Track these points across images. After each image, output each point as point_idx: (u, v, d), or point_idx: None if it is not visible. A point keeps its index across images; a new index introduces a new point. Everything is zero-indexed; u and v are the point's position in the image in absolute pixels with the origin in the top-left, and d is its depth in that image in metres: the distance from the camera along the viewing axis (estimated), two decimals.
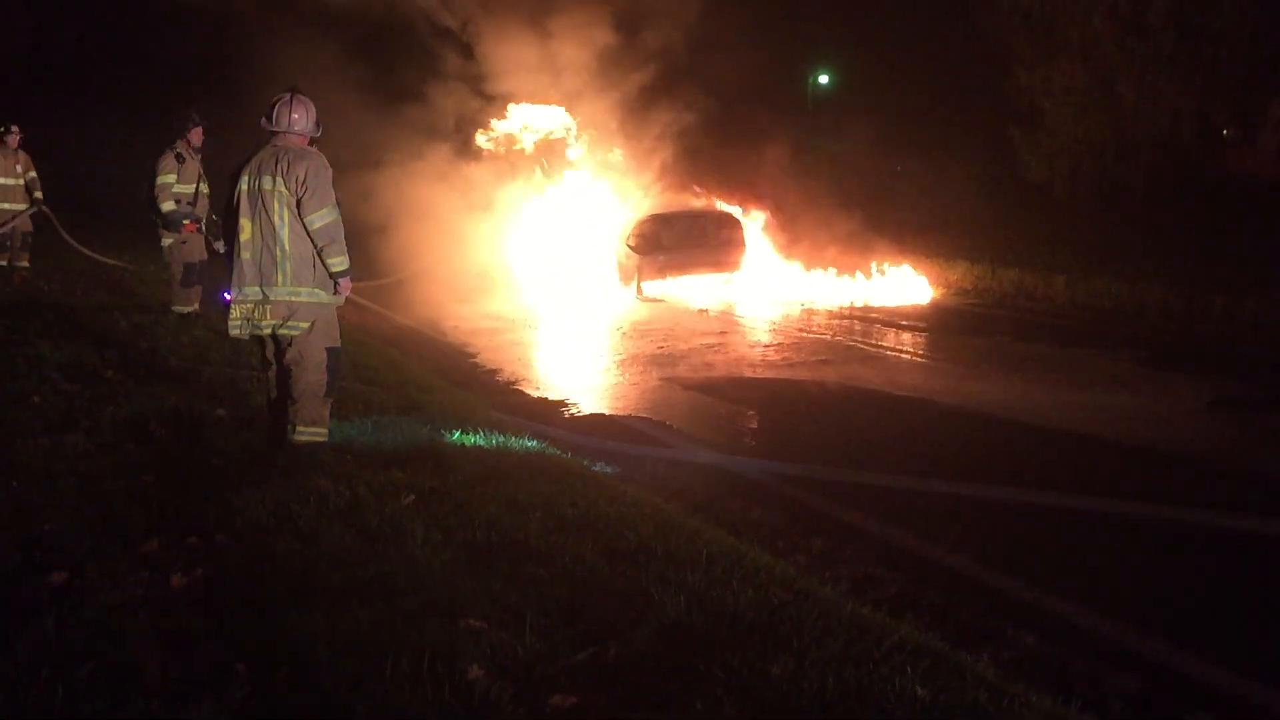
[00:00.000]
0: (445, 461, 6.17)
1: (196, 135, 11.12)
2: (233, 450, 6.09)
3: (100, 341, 9.25)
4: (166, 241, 11.09)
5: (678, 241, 19.03)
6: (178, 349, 9.35)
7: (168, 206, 10.88)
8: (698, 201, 21.39)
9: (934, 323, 15.42)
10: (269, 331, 5.97)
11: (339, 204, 5.95)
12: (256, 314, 5.91)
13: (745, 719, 3.35)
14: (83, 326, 10.11)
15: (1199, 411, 9.38)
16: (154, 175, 10.85)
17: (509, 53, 19.93)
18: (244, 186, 5.89)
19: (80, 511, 4.84)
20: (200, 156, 11.20)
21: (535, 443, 7.14)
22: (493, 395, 10.20)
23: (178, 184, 10.90)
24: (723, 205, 21.63)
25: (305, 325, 5.94)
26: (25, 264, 14.10)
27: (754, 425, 9.23)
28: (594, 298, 18.26)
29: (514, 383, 10.99)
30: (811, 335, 14.31)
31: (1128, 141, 23.59)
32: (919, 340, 13.86)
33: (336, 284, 6.00)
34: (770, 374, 11.57)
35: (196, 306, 11.23)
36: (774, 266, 20.87)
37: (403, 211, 17.78)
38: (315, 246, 5.89)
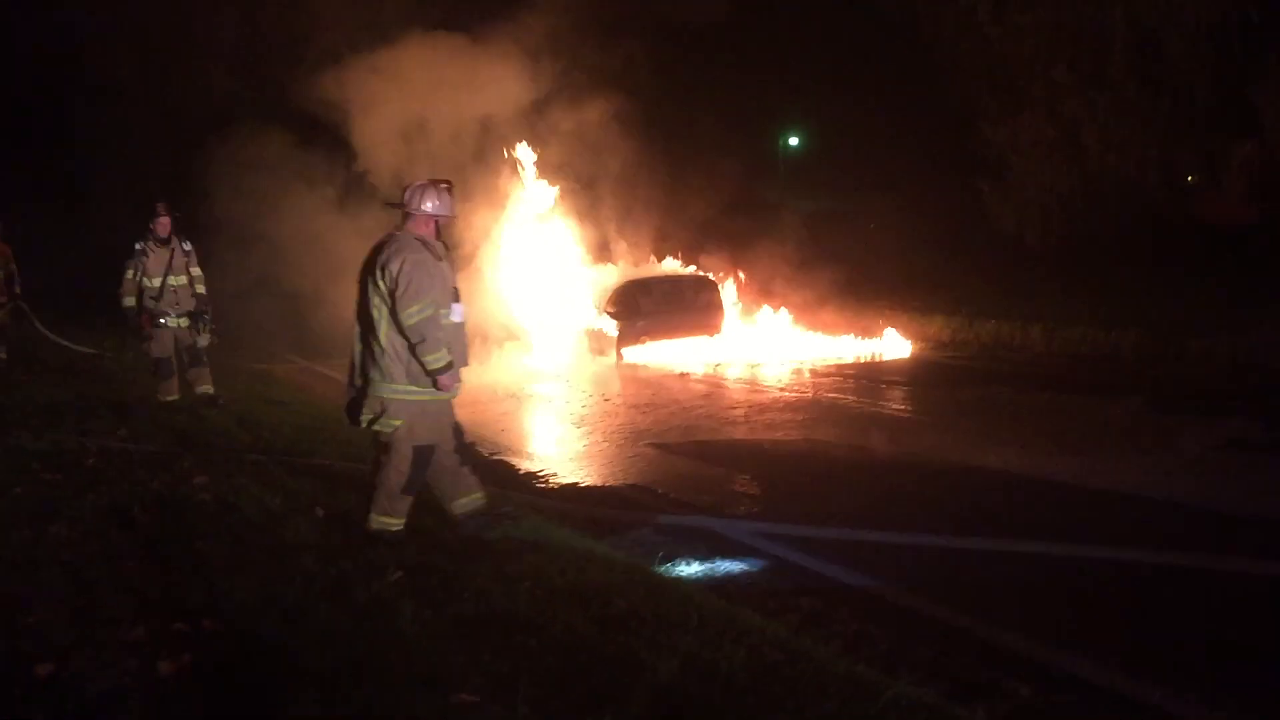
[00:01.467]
0: (432, 536, 6.15)
1: (161, 226, 10.89)
2: (218, 533, 6.05)
3: (80, 429, 9.21)
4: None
5: (656, 306, 19.18)
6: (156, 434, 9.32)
7: (125, 303, 10.88)
8: (674, 266, 21.59)
9: (914, 377, 15.53)
10: (364, 425, 5.97)
11: (450, 298, 6.01)
12: (364, 407, 5.94)
13: None
14: (61, 415, 10.06)
15: (1213, 454, 9.44)
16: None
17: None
18: (360, 278, 6.01)
19: (65, 601, 4.80)
20: (174, 246, 10.95)
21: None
22: (477, 469, 10.15)
23: (144, 278, 10.80)
24: (699, 269, 21.82)
25: (397, 422, 5.90)
26: (3, 355, 14.05)
27: (741, 487, 9.23)
28: (572, 364, 18.32)
29: (497, 453, 10.96)
30: (794, 395, 14.37)
31: (1094, 190, 23.96)
32: (901, 395, 13.94)
33: (435, 381, 5.91)
34: (755, 435, 11.60)
35: (176, 395, 11.10)
36: (753, 328, 21.02)
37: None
38: (409, 343, 5.85)
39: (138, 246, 10.86)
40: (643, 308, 19.04)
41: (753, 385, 15.61)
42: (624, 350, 18.75)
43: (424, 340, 5.82)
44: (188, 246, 11.07)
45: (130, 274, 10.82)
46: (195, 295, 11.05)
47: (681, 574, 6.50)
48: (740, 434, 11.70)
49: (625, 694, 3.96)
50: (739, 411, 13.13)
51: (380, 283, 5.85)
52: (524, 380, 16.59)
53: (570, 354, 18.95)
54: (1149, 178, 23.55)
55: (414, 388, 5.91)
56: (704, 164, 22.94)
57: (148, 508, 6.48)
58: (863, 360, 17.63)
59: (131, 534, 6.02)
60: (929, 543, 7.11)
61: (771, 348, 19.34)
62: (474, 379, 16.33)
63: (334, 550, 5.72)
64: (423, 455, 6.01)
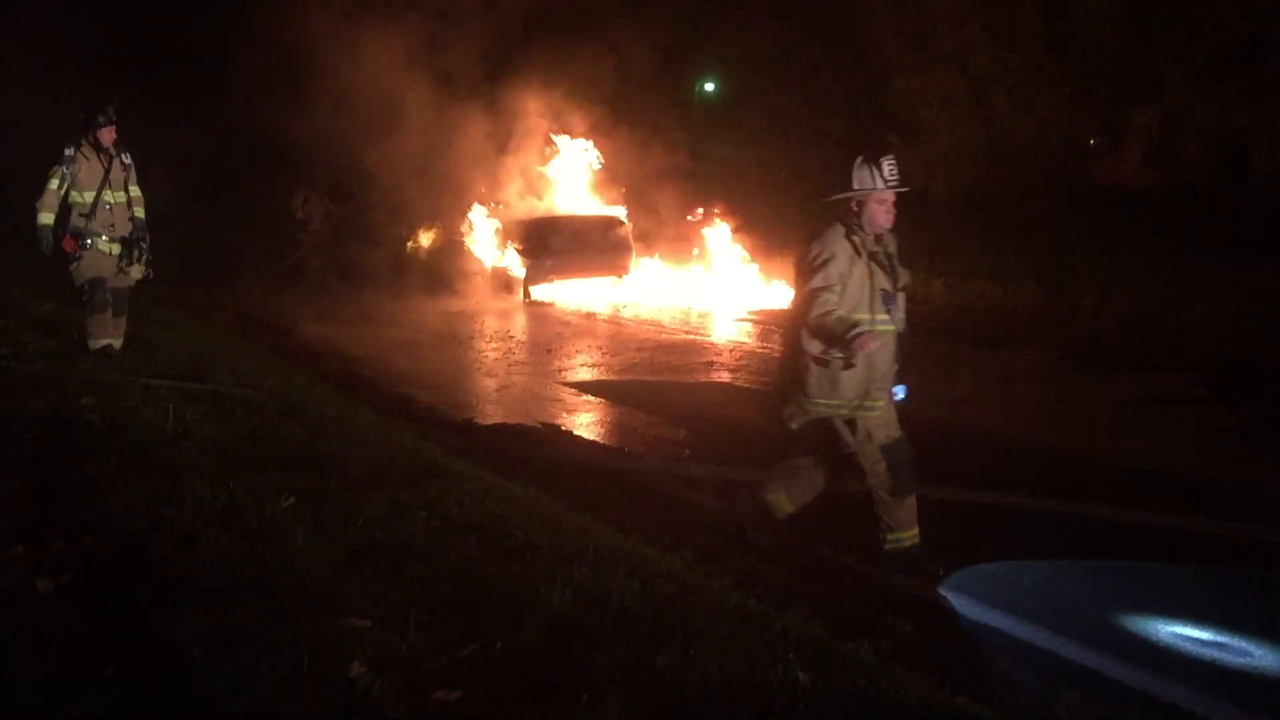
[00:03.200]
0: (328, 464, 6.06)
1: (106, 135, 8.97)
2: (104, 455, 5.88)
3: None
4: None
5: (565, 245, 19.07)
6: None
7: (41, 220, 8.75)
8: (584, 205, 21.48)
9: None
10: None
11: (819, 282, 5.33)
12: None
13: (631, 707, 3.37)
14: None
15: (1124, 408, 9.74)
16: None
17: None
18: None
19: None
20: (115, 156, 9.02)
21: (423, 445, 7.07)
22: (379, 400, 10.04)
23: (73, 191, 8.87)
24: (610, 209, 21.75)
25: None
26: None
27: (645, 427, 9.27)
28: (479, 302, 18.17)
29: (400, 388, 10.84)
30: (697, 338, 14.45)
31: (1001, 149, 24.34)
32: None
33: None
34: (660, 376, 11.65)
35: (112, 339, 9.09)
36: (661, 271, 21.05)
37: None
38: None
39: (68, 152, 8.85)
40: (551, 246, 18.92)
41: (661, 327, 15.65)
42: (531, 289, 18.65)
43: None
44: (128, 159, 9.12)
45: (54, 184, 8.79)
46: (132, 219, 9.11)
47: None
48: (646, 375, 11.74)
49: (518, 623, 3.97)
50: (645, 353, 13.16)
51: None
52: (431, 318, 16.40)
53: (477, 292, 18.79)
54: (1052, 139, 24.01)
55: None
56: (617, 104, 22.76)
57: (30, 427, 6.28)
58: (768, 307, 17.76)
59: (12, 452, 5.83)
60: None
61: (679, 291, 19.40)
62: (381, 317, 16.18)
63: (225, 475, 5.60)
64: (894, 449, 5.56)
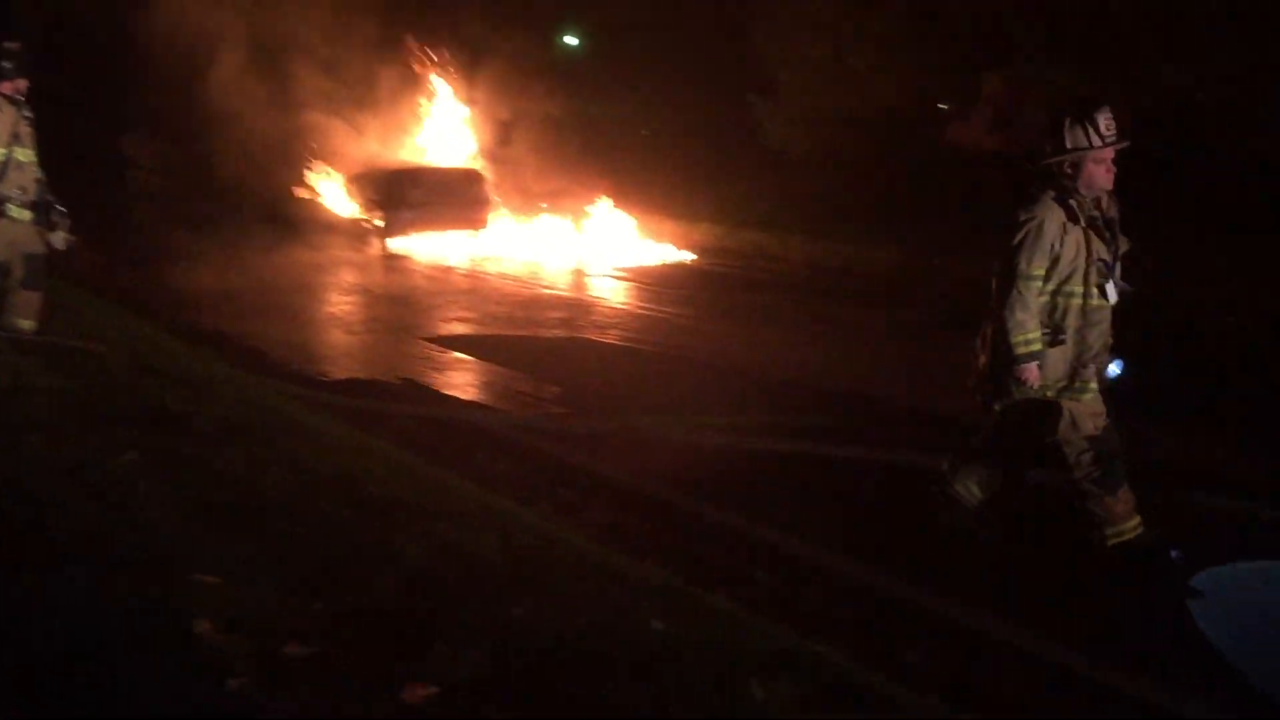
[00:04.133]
0: (179, 420, 5.88)
1: (10, 86, 7.37)
2: None
3: None
4: None
5: (424, 198, 18.75)
6: None
7: None
8: (443, 158, 21.14)
9: (680, 281, 15.85)
10: None
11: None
12: None
13: (489, 659, 3.38)
14: None
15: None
16: None
17: None
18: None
19: None
20: (22, 111, 7.47)
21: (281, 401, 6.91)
22: (232, 355, 9.75)
23: None
24: (470, 162, 21.46)
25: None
26: None
27: (506, 381, 9.24)
28: (334, 255, 17.74)
29: (254, 342, 10.54)
30: (556, 293, 14.44)
31: (857, 111, 24.81)
32: (668, 297, 14.21)
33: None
34: (521, 331, 11.61)
35: (35, 322, 7.71)
36: (522, 225, 20.91)
37: None
38: None
39: None
40: (410, 199, 18.58)
41: (520, 282, 15.57)
42: (389, 241, 18.30)
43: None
44: (29, 113, 7.55)
45: None
46: (38, 180, 7.62)
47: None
48: (506, 329, 11.68)
49: (374, 577, 3.94)
50: (505, 307, 13.08)
51: None
52: (284, 270, 15.93)
53: (332, 245, 18.33)
54: (908, 102, 24.59)
55: None
56: (474, 56, 22.39)
57: None
58: (628, 264, 17.83)
59: None
60: (686, 438, 7.33)
61: (539, 247, 19.30)
62: (230, 268, 15.64)
63: (67, 431, 5.38)
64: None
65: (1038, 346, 4.86)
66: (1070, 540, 5.22)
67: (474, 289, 14.71)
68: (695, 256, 19.17)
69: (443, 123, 22.44)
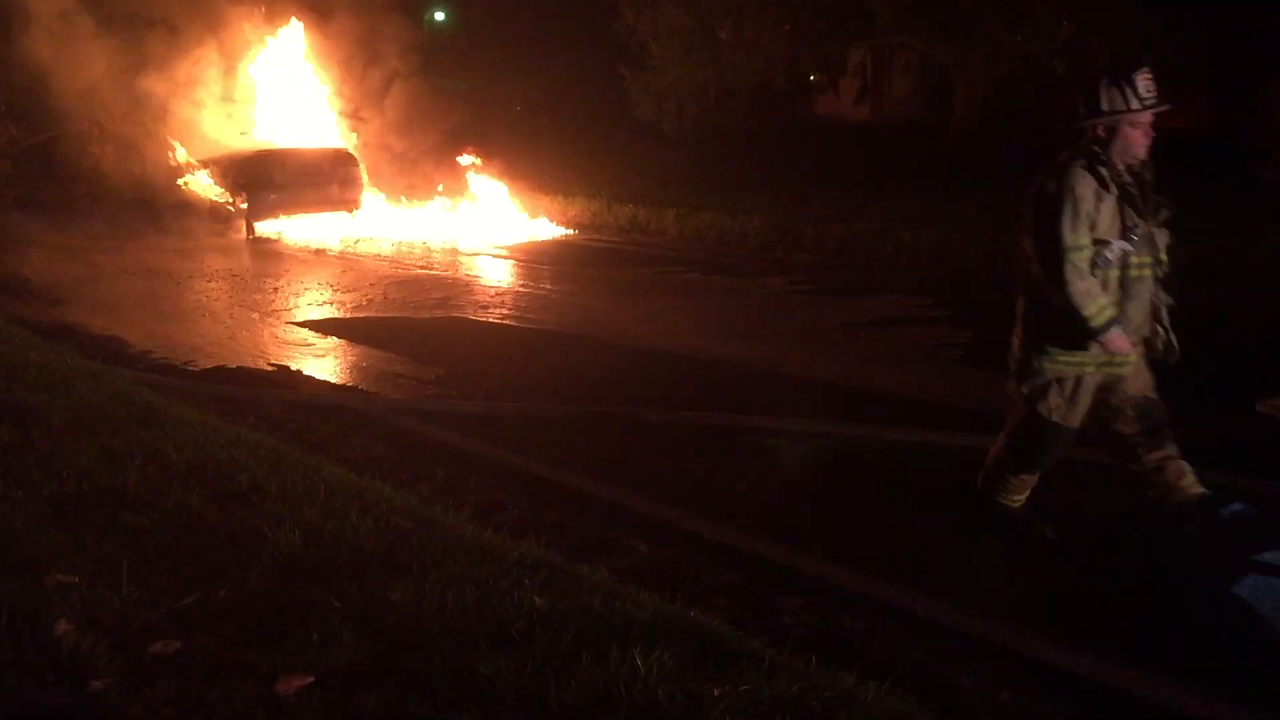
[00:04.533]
0: (30, 414, 5.61)
1: None
2: None
3: None
4: None
5: (290, 179, 18.25)
6: None
7: None
8: (311, 139, 20.61)
9: (555, 257, 15.77)
10: None
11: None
12: None
13: (365, 645, 3.31)
14: None
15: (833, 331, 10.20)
16: None
17: None
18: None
19: None
20: None
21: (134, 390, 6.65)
22: (86, 345, 9.36)
23: None
24: (338, 141, 20.98)
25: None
26: None
27: (381, 364, 9.06)
28: (196, 239, 17.17)
29: (111, 331, 10.13)
30: (433, 273, 14.22)
31: (727, 84, 25.02)
32: (544, 274, 14.13)
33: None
34: (395, 313, 11.40)
35: None
36: (394, 207, 20.54)
37: None
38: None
39: None
40: (276, 180, 18.06)
41: (394, 263, 15.30)
42: (255, 224, 17.78)
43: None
44: None
45: None
46: None
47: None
48: (380, 312, 11.46)
49: (243, 568, 3.83)
50: (380, 289, 12.84)
51: None
52: (144, 256, 15.35)
53: (194, 229, 17.73)
54: (777, 74, 24.88)
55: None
56: (339, 31, 21.85)
57: None
58: (503, 241, 17.67)
59: None
60: (561, 413, 7.30)
61: (413, 227, 18.99)
62: (85, 255, 15.03)
63: None
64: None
65: (1112, 311, 4.58)
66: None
67: (347, 271, 14.38)
68: (573, 232, 19.09)
69: (310, 104, 21.86)
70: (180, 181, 19.01)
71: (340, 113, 22.10)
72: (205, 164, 18.85)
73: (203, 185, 18.66)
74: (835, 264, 14.77)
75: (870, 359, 9.05)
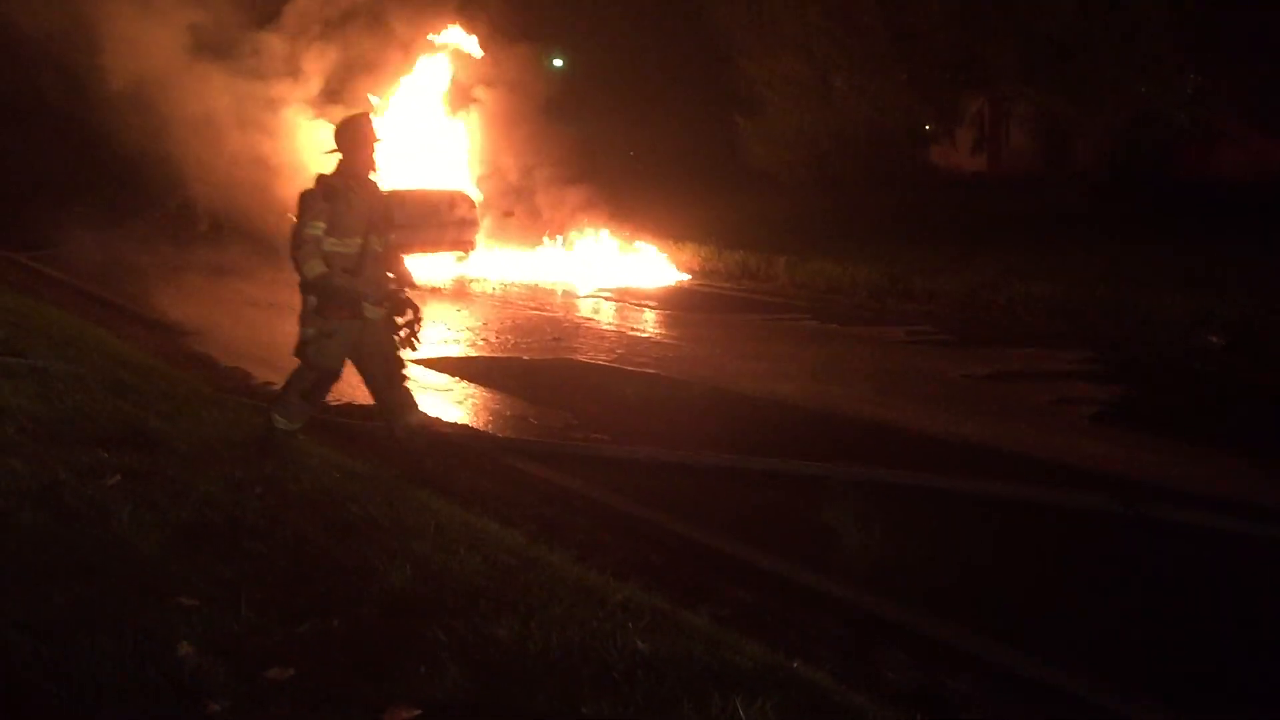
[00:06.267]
0: (159, 441, 5.86)
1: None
2: None
3: None
4: None
5: (410, 219, 18.65)
6: None
7: None
8: (429, 180, 21.11)
9: (668, 301, 15.86)
10: None
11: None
12: None
13: (470, 680, 3.37)
14: None
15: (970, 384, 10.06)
16: None
17: None
18: None
19: None
20: None
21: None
22: (213, 376, 9.71)
23: None
24: (457, 183, 21.44)
25: None
26: None
27: (492, 403, 9.22)
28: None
29: (236, 363, 10.49)
30: (545, 314, 14.43)
31: (842, 132, 24.92)
32: (655, 319, 14.23)
33: None
34: (509, 352, 11.59)
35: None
36: (511, 249, 20.91)
37: None
38: None
39: None
40: (395, 220, 18.51)
41: (507, 304, 15.56)
42: None
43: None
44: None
45: None
46: None
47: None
48: (493, 351, 11.67)
49: (355, 598, 3.93)
50: (492, 329, 13.07)
51: None
52: (266, 292, 15.88)
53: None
54: (890, 124, 24.72)
55: None
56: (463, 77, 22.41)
57: None
58: (616, 283, 17.84)
59: None
60: (666, 458, 7.32)
61: (526, 268, 19.29)
62: (213, 290, 15.62)
63: (46, 454, 5.36)
64: None
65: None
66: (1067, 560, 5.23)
67: (461, 311, 14.68)
68: (684, 277, 19.19)
69: (431, 145, 22.44)
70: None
71: (462, 155, 22.61)
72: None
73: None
74: (948, 315, 14.57)
75: (989, 413, 8.86)
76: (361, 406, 8.83)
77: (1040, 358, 11.31)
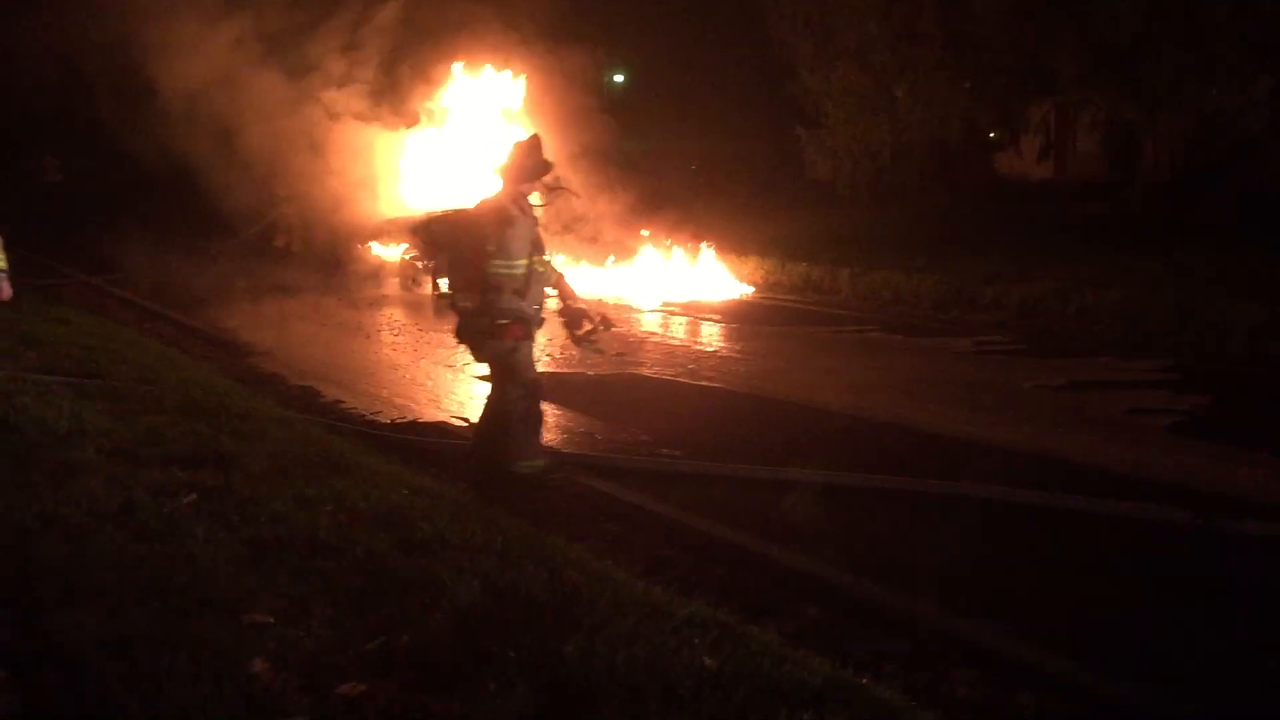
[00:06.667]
0: (231, 460, 5.97)
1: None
2: None
3: None
4: None
5: (474, 239, 18.87)
6: None
7: None
8: (499, 197, 21.29)
9: (733, 315, 15.83)
10: None
11: None
12: None
13: (538, 696, 3.38)
14: None
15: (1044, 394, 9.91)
16: None
17: None
18: None
19: None
20: None
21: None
22: (282, 395, 9.89)
23: None
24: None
25: None
26: None
27: (558, 419, 9.26)
28: (385, 295, 17.96)
29: (305, 381, 10.67)
30: (612, 329, 14.46)
31: (903, 142, 24.77)
32: (720, 332, 14.21)
33: None
34: (574, 368, 11.63)
35: None
36: (576, 265, 21.01)
37: None
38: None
39: None
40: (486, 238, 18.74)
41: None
42: (441, 281, 18.45)
43: None
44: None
45: None
46: None
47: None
48: (558, 367, 11.71)
49: (424, 615, 3.97)
50: (556, 345, 13.13)
51: None
52: (334, 311, 16.14)
53: (381, 285, 18.58)
54: (952, 132, 24.51)
55: None
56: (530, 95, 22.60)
57: None
58: (679, 298, 17.85)
59: None
60: (731, 472, 7.29)
61: (588, 283, 19.37)
62: (283, 309, 15.89)
63: (122, 473, 5.48)
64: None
65: None
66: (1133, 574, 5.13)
67: None
68: (747, 289, 19.15)
69: (490, 161, 22.66)
70: (370, 242, 19.94)
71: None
72: (396, 224, 19.70)
73: (392, 244, 19.50)
74: (1016, 325, 14.37)
75: (1063, 424, 8.69)
76: (426, 424, 8.95)
77: (1113, 367, 11.14)
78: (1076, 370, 10.84)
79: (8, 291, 5.85)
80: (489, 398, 6.90)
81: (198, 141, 18.46)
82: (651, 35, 29.04)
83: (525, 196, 6.72)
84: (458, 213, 7.67)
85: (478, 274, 6.45)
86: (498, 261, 6.43)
